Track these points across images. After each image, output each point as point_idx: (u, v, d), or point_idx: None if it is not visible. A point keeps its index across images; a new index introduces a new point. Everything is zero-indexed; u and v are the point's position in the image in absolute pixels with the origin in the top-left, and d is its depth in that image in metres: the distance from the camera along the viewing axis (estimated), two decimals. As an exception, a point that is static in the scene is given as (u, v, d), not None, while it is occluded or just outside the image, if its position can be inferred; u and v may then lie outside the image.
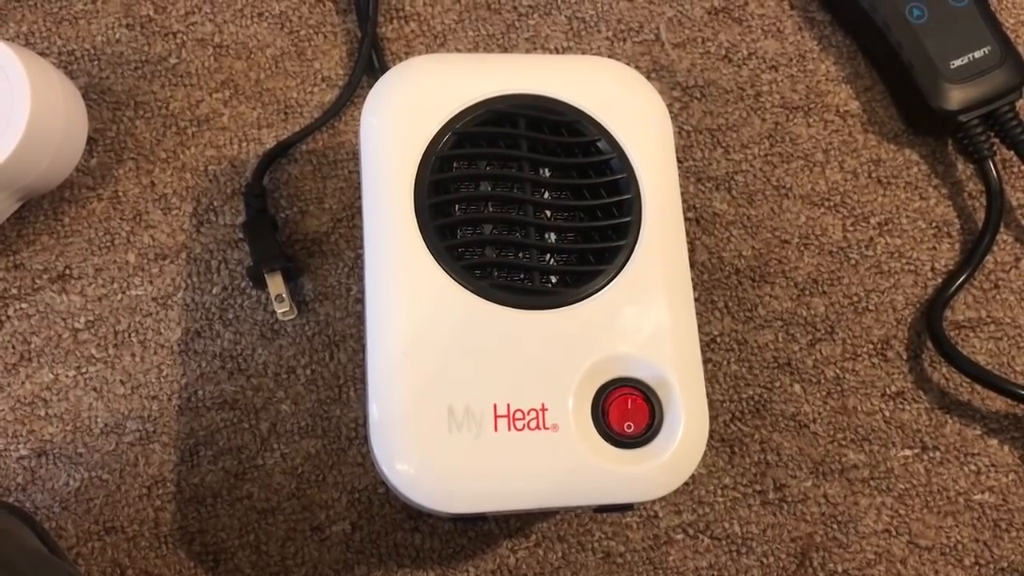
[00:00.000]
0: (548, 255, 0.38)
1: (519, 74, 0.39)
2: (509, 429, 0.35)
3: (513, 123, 0.39)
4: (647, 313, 0.37)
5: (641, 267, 0.38)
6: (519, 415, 0.35)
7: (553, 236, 0.38)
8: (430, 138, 0.38)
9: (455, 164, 0.38)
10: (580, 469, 0.35)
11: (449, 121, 0.38)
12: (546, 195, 0.39)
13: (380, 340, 0.36)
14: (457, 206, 0.38)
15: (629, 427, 0.36)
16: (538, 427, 0.35)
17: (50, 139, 0.44)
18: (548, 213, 0.39)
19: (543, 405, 0.35)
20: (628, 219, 0.38)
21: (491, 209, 0.38)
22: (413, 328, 0.36)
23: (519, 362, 0.36)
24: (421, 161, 0.37)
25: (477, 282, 0.36)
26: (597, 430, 0.36)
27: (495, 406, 0.35)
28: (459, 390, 0.35)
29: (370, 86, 0.50)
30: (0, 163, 0.41)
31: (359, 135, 0.39)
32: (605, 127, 0.39)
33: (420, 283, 0.36)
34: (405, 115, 0.38)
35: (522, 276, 0.37)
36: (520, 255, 0.38)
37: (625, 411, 0.36)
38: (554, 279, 0.38)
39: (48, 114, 0.43)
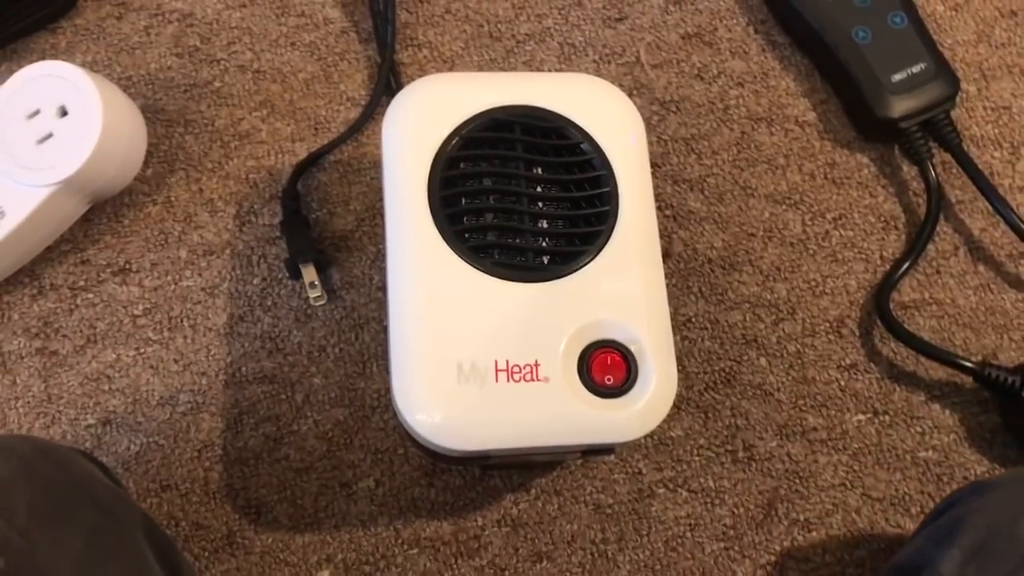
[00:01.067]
0: (540, 238, 0.45)
1: (516, 88, 0.46)
2: (508, 381, 0.41)
3: (510, 129, 0.46)
4: (623, 286, 0.44)
5: (618, 247, 0.44)
6: (516, 369, 0.42)
7: (545, 222, 0.45)
8: (440, 142, 0.45)
9: (462, 164, 0.46)
10: (568, 415, 0.42)
11: (457, 128, 0.45)
12: (539, 189, 0.46)
13: (400, 311, 0.43)
14: (464, 198, 0.45)
15: (609, 380, 0.42)
16: (533, 379, 0.42)
17: (116, 150, 0.51)
18: (540, 204, 0.46)
19: (536, 362, 0.42)
20: (607, 208, 0.45)
21: (492, 200, 0.45)
22: (428, 300, 0.42)
23: (516, 326, 0.42)
24: (433, 161, 0.45)
25: (481, 261, 0.43)
26: (582, 382, 0.42)
27: (496, 362, 0.42)
28: (466, 350, 0.42)
29: (389, 104, 0.57)
30: (77, 169, 0.49)
31: (380, 143, 0.46)
32: (587, 132, 0.46)
33: (434, 263, 0.43)
34: (419, 123, 0.45)
35: (519, 255, 0.44)
36: (517, 238, 0.44)
37: (606, 366, 0.43)
38: (546, 258, 0.44)
39: (115, 129, 0.51)
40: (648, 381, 0.43)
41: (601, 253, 0.44)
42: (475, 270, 0.43)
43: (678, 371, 0.52)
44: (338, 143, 0.56)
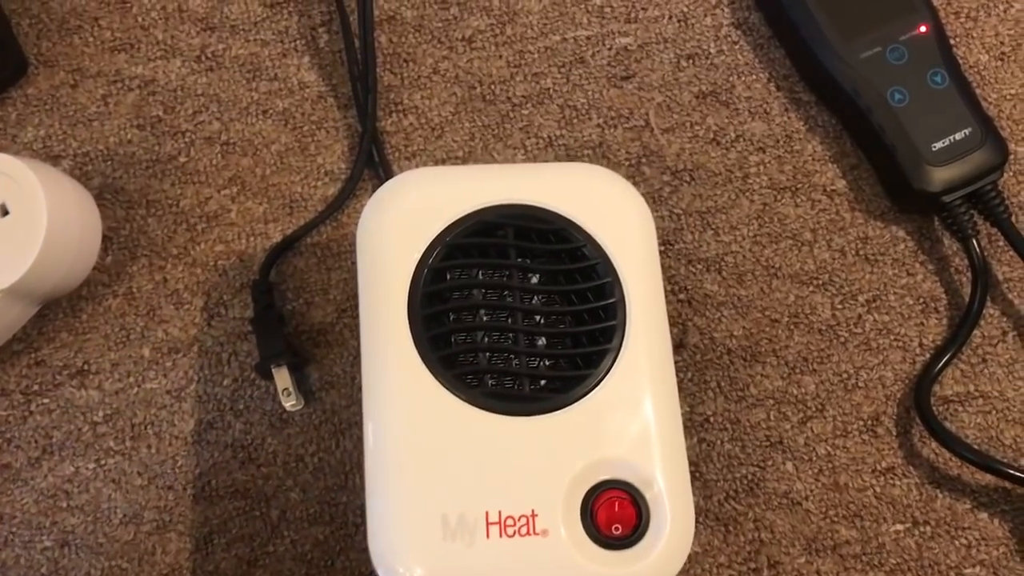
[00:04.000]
0: (538, 361, 0.40)
1: (507, 184, 0.41)
2: (501, 536, 0.36)
3: (502, 233, 0.40)
4: (633, 415, 0.39)
5: (627, 370, 0.39)
6: (510, 521, 0.37)
7: (543, 341, 0.40)
8: (423, 250, 0.40)
9: (448, 275, 0.40)
10: (570, 573, 0.37)
11: (441, 233, 0.40)
12: (535, 301, 0.40)
13: (377, 452, 0.37)
14: (450, 316, 0.40)
15: (617, 529, 0.37)
16: (528, 533, 0.37)
17: (66, 249, 0.46)
18: (538, 319, 0.40)
19: (533, 511, 0.37)
20: (613, 322, 0.40)
21: (482, 317, 0.40)
22: (408, 439, 0.37)
23: (510, 468, 0.37)
24: (414, 275, 0.39)
25: (469, 391, 0.38)
26: (586, 532, 0.37)
27: (487, 513, 0.37)
28: (453, 498, 0.37)
29: (371, 179, 0.52)
30: (19, 277, 0.44)
31: (355, 249, 0.41)
32: (590, 233, 0.41)
33: (414, 394, 0.38)
34: (397, 231, 0.40)
35: (512, 383, 0.39)
36: (511, 362, 0.39)
37: (613, 514, 0.37)
38: (544, 384, 0.39)
39: (63, 225, 0.45)
40: (661, 528, 0.38)
41: (607, 377, 0.39)
42: (462, 402, 0.38)
43: (695, 479, 0.48)
44: (315, 224, 0.51)
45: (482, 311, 0.40)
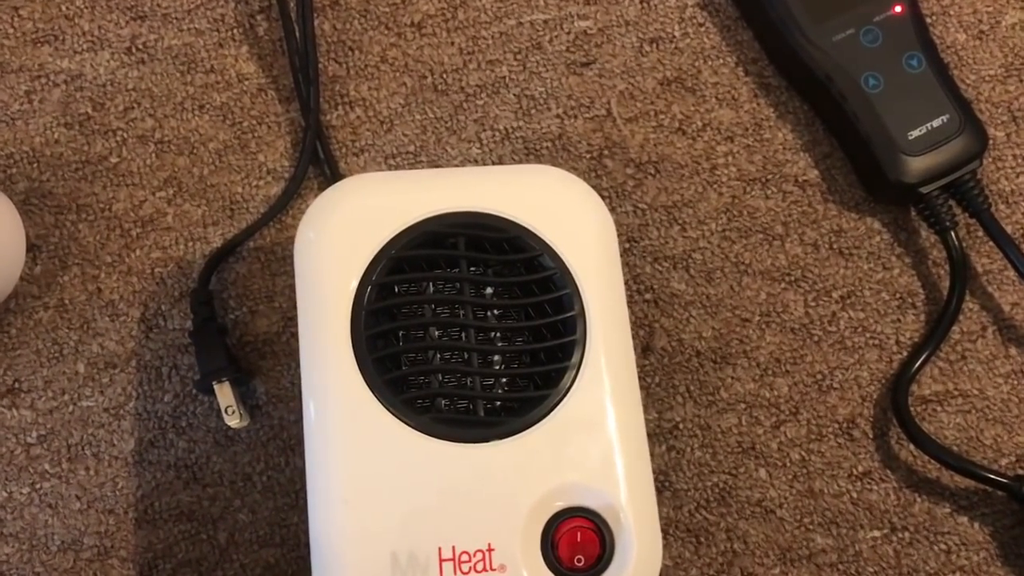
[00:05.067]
0: (493, 381, 0.37)
1: (457, 190, 0.38)
2: (455, 573, 0.34)
3: (452, 243, 0.38)
4: (595, 437, 0.36)
5: (588, 388, 0.37)
6: (465, 557, 0.34)
7: (498, 361, 0.37)
8: (366, 265, 0.37)
9: (396, 289, 0.38)
10: (529, 610, 0.34)
11: (385, 246, 0.37)
12: (489, 317, 0.38)
13: (320, 485, 0.35)
14: (398, 334, 0.37)
15: (579, 560, 0.35)
16: (485, 569, 0.34)
17: (-15, 264, 0.43)
18: (492, 336, 0.38)
19: (489, 545, 0.35)
20: (573, 337, 0.37)
21: (432, 336, 0.37)
22: (353, 471, 0.35)
23: (464, 500, 0.35)
24: (357, 290, 0.36)
25: (418, 417, 0.35)
26: (547, 565, 0.35)
27: (440, 549, 0.34)
28: (402, 535, 0.34)
29: (316, 178, 0.49)
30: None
31: (292, 264, 0.38)
32: (546, 240, 0.38)
33: (359, 422, 0.35)
34: (338, 244, 0.37)
35: (465, 407, 0.36)
36: (464, 383, 0.37)
37: (575, 544, 0.35)
38: (498, 407, 0.37)
39: (-19, 239, 0.42)
40: (627, 556, 0.36)
41: (567, 396, 0.37)
42: (411, 430, 0.36)
43: (664, 488, 0.46)
44: (258, 227, 0.48)
45: (433, 329, 0.37)
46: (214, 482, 0.46)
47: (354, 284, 0.36)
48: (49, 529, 0.45)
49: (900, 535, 0.46)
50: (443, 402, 0.36)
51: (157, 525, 0.45)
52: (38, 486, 0.45)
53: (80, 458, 0.46)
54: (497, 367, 0.37)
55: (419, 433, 0.35)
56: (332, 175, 0.48)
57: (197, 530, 0.45)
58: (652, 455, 0.45)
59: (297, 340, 0.46)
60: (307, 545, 0.44)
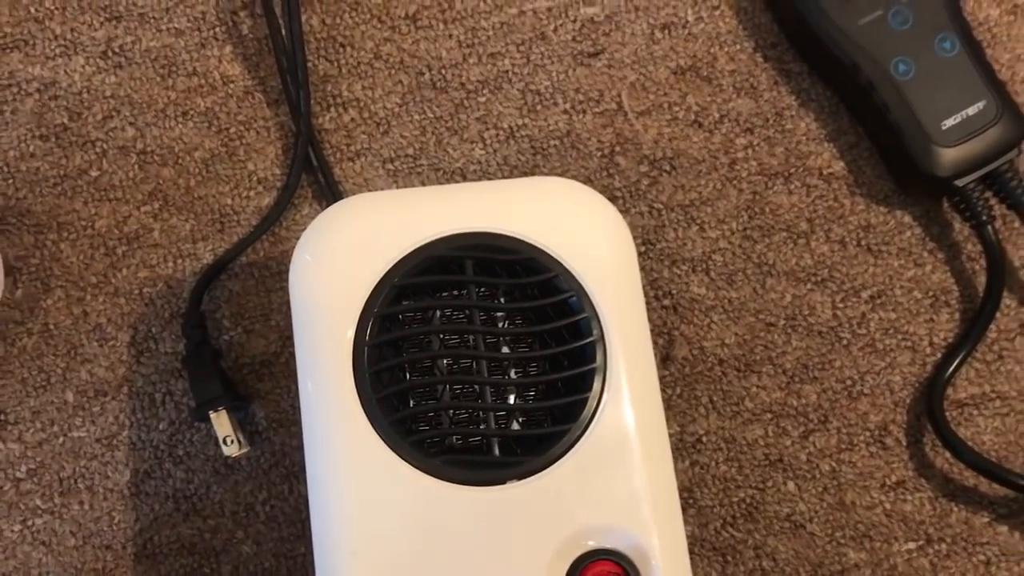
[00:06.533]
0: (507, 417, 0.34)
1: (463, 209, 0.35)
2: (474, 629, 0.32)
3: (460, 267, 0.35)
4: (620, 473, 0.34)
5: (610, 420, 0.34)
6: (484, 610, 0.32)
7: (512, 394, 0.35)
8: (367, 295, 0.34)
9: (401, 319, 0.35)
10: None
11: (388, 273, 0.34)
12: (502, 345, 0.35)
13: (325, 536, 0.33)
14: (404, 369, 0.34)
15: (606, 607, 0.33)
16: (506, 622, 0.32)
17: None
18: (506, 367, 0.35)
19: (510, 596, 0.32)
20: (593, 365, 0.35)
21: (441, 369, 0.34)
22: (360, 520, 0.32)
23: (481, 547, 0.33)
24: (359, 323, 0.34)
25: (429, 460, 0.33)
26: (571, 615, 0.33)
27: (456, 603, 0.32)
28: (417, 588, 0.32)
29: (310, 186, 0.46)
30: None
31: (289, 288, 0.35)
32: (561, 261, 0.35)
33: (365, 467, 0.33)
34: (337, 273, 0.34)
35: (480, 444, 0.34)
36: (477, 418, 0.34)
37: (601, 590, 0.33)
38: (515, 445, 0.34)
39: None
40: (657, 600, 0.33)
41: (589, 430, 0.34)
42: (421, 474, 0.33)
43: (689, 505, 0.44)
44: (250, 241, 0.45)
45: (442, 361, 0.34)
46: (215, 513, 0.43)
47: (355, 315, 0.34)
48: (43, 568, 0.43)
49: (936, 547, 0.44)
50: (455, 440, 0.34)
51: (157, 560, 0.43)
52: (30, 523, 0.43)
53: (73, 492, 0.44)
54: (512, 400, 0.35)
55: (430, 477, 0.33)
56: (327, 182, 0.45)
57: (199, 564, 0.43)
58: (675, 471, 0.42)
59: (296, 359, 0.44)
60: (315, 577, 0.42)
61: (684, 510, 0.44)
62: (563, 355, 0.35)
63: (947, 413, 0.45)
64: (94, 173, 0.46)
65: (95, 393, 0.44)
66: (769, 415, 0.45)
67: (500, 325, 0.35)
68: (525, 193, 0.37)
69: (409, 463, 0.33)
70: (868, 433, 0.45)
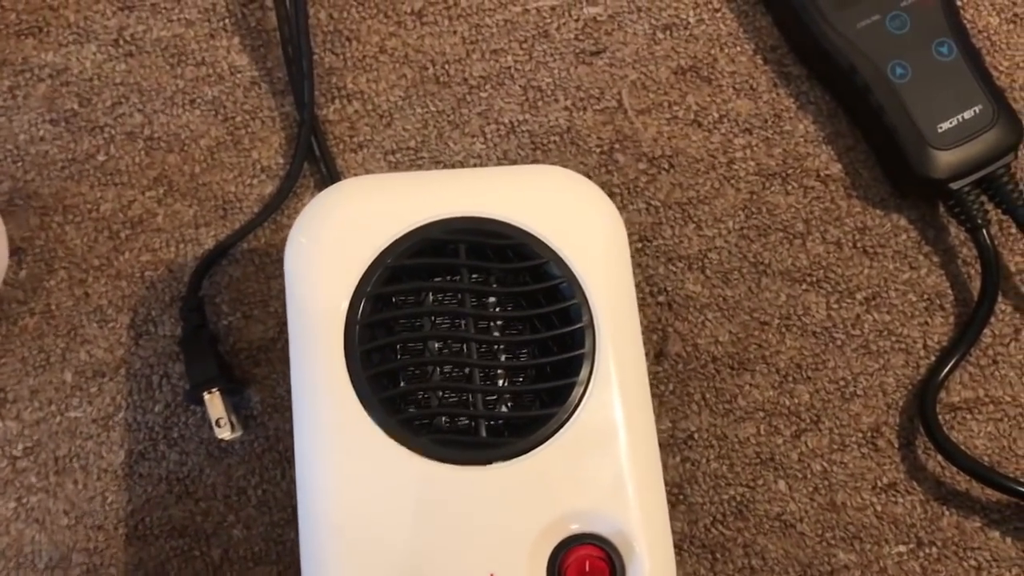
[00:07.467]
0: (496, 399, 0.35)
1: (457, 193, 0.36)
2: (456, 607, 0.32)
3: (453, 251, 0.35)
4: (605, 458, 0.34)
5: (597, 405, 0.35)
6: (466, 589, 0.32)
7: (501, 377, 0.35)
8: (360, 275, 0.35)
9: (393, 300, 0.35)
10: (534, 645, 0.32)
11: (381, 254, 0.35)
12: (493, 329, 0.35)
13: (311, 511, 0.33)
14: (395, 349, 0.35)
15: (588, 590, 0.33)
16: (487, 600, 0.32)
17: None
18: (496, 349, 0.35)
19: (492, 575, 0.32)
20: (582, 351, 0.35)
21: (432, 350, 0.35)
22: (347, 496, 0.33)
23: (466, 526, 0.33)
24: (351, 302, 0.34)
25: (417, 438, 0.33)
26: (554, 597, 0.33)
27: (439, 581, 0.32)
28: (398, 564, 0.32)
29: (312, 175, 0.47)
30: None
31: (283, 273, 0.36)
32: (553, 247, 0.36)
33: (353, 443, 0.33)
34: (331, 252, 0.35)
35: (468, 425, 0.34)
36: (466, 400, 0.35)
37: (583, 573, 0.33)
38: (502, 427, 0.34)
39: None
40: (639, 585, 0.33)
41: (575, 414, 0.35)
42: (409, 452, 0.34)
43: (679, 502, 0.44)
44: (252, 228, 0.46)
45: (432, 343, 0.35)
46: (207, 496, 0.44)
47: (348, 295, 0.34)
48: (36, 546, 0.43)
49: (927, 550, 0.44)
50: (443, 421, 0.34)
51: (148, 541, 0.43)
52: (24, 500, 0.44)
53: (68, 471, 0.44)
54: (501, 383, 0.35)
55: (417, 455, 0.33)
56: (329, 172, 0.46)
57: (190, 546, 0.43)
58: (665, 467, 0.43)
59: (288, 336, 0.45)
60: (305, 562, 0.43)
61: (674, 506, 0.44)
62: (552, 340, 0.35)
63: (940, 416, 0.45)
64: (101, 158, 0.47)
65: (93, 374, 0.45)
66: (761, 414, 0.45)
67: (491, 309, 0.36)
68: (519, 180, 0.37)
69: (396, 440, 0.33)
70: (860, 434, 0.45)
